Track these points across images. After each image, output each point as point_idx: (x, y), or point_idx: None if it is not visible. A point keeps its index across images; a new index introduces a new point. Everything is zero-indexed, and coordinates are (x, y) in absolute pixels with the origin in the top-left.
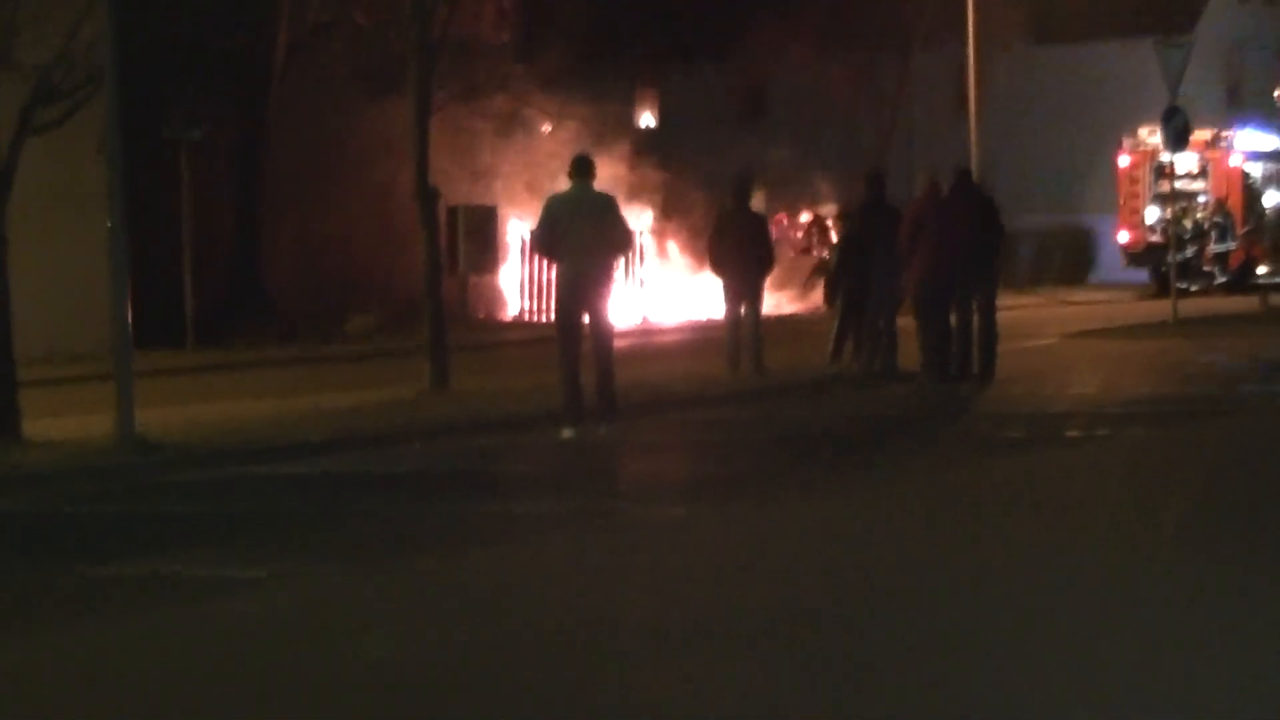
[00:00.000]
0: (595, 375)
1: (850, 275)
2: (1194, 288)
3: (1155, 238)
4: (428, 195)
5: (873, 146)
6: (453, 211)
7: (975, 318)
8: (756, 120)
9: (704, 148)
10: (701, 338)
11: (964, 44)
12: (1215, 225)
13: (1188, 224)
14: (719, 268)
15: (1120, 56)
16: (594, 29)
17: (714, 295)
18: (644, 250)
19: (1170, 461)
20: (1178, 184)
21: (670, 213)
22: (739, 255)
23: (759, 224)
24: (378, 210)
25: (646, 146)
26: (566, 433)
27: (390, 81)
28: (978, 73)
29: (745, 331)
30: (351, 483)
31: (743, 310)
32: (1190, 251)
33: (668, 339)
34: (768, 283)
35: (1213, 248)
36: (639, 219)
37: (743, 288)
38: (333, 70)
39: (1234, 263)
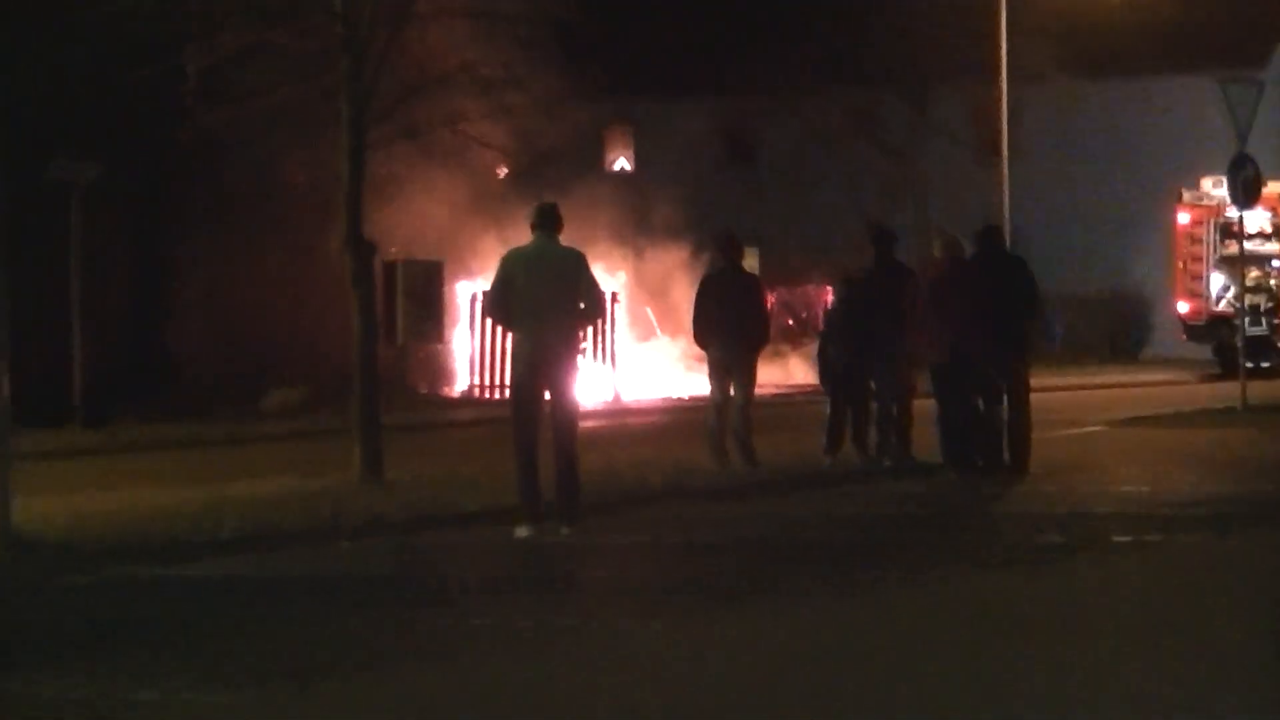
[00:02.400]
0: (556, 464)
1: (847, 348)
2: (1265, 365)
3: (1220, 308)
4: (361, 248)
5: (880, 200)
6: (390, 268)
7: (1005, 400)
8: (745, 167)
9: (688, 197)
10: (682, 420)
11: (991, 79)
12: None
13: (1260, 294)
14: (705, 338)
15: (1180, 95)
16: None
17: (699, 370)
18: (616, 316)
19: (1234, 575)
20: (1247, 245)
21: (648, 272)
22: (728, 324)
23: (752, 288)
24: (303, 266)
25: (620, 194)
26: (522, 531)
27: (319, 117)
28: (1010, 112)
29: (733, 414)
30: (267, 588)
31: (731, 389)
32: (1264, 325)
33: (643, 421)
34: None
35: None
36: (611, 279)
37: (732, 362)
38: (252, 105)
39: None
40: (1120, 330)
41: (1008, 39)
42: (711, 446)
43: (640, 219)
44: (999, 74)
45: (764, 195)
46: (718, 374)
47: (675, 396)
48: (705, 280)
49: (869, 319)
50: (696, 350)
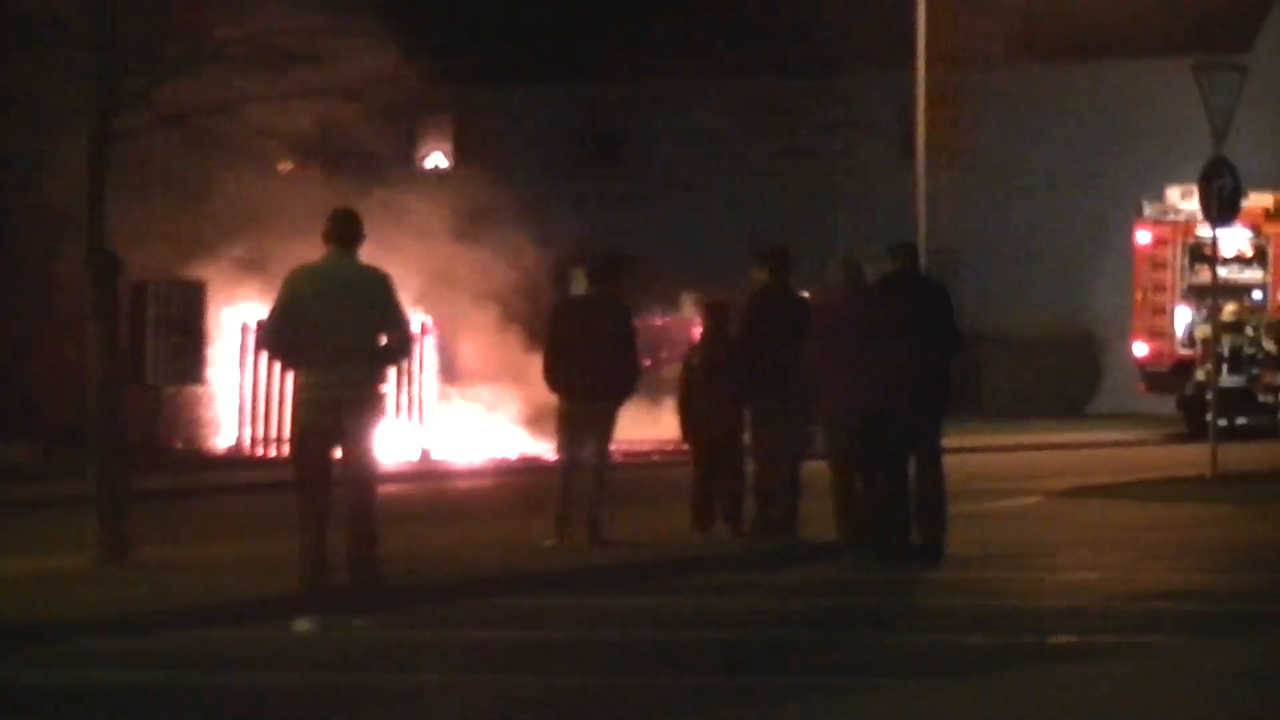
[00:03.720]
0: (349, 540)
1: (719, 397)
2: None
3: (1188, 351)
4: (103, 265)
5: (780, 213)
6: (140, 290)
7: (914, 467)
8: (606, 170)
9: (528, 202)
10: (510, 485)
11: (913, 66)
12: None
13: (1240, 333)
14: (559, 382)
15: (1142, 83)
16: (369, 32)
17: (541, 423)
18: (428, 354)
19: (1206, 687)
20: (1223, 272)
21: (473, 298)
22: (591, 364)
23: (620, 320)
24: (30, 289)
25: (436, 198)
26: (305, 624)
27: (58, 101)
28: (941, 105)
29: (587, 480)
30: None
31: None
32: (1244, 375)
33: (460, 486)
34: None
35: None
36: (422, 308)
37: (588, 415)
38: None
39: None
40: (1067, 378)
41: (944, 17)
42: (558, 517)
43: (465, 229)
44: (915, 54)
45: (631, 205)
46: (569, 429)
47: (500, 456)
48: (560, 309)
49: (750, 360)
50: (529, 397)
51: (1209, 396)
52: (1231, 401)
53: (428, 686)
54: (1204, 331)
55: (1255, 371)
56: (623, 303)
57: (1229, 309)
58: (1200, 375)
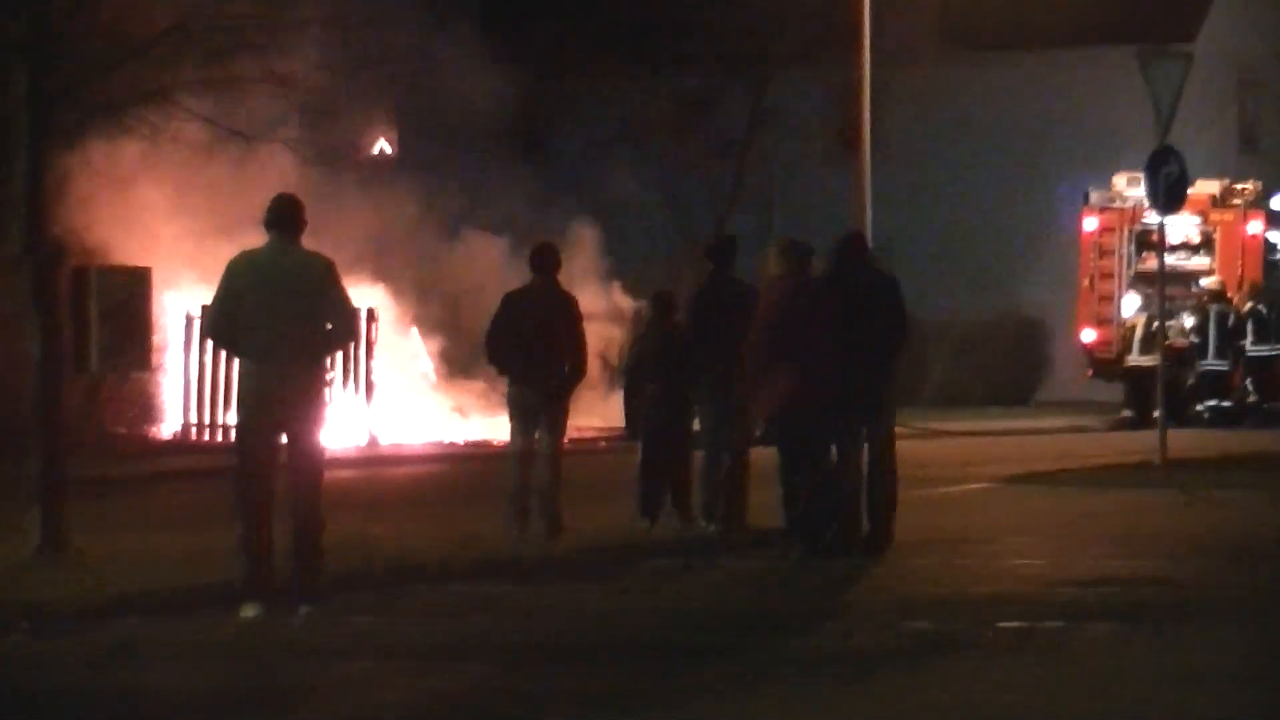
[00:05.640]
0: (294, 528)
1: (664, 387)
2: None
3: (1119, 335)
4: (45, 252)
5: (713, 203)
6: (81, 276)
7: (864, 454)
8: (536, 162)
9: (469, 190)
10: (457, 471)
11: (850, 58)
12: (1252, 315)
13: (1184, 319)
14: (508, 367)
15: (1086, 72)
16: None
17: (477, 410)
18: (373, 339)
19: (1146, 676)
20: (1170, 259)
21: (417, 284)
22: (540, 352)
23: (568, 310)
24: None
25: (381, 184)
26: (248, 611)
27: None
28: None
29: (539, 469)
30: None
31: (537, 436)
32: (1200, 366)
33: (406, 472)
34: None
35: (1250, 349)
36: (366, 293)
37: (539, 403)
38: None
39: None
40: (1011, 365)
41: (872, 6)
42: (508, 507)
43: (408, 216)
44: (860, 45)
45: (559, 198)
46: (520, 417)
47: (447, 441)
48: (509, 298)
49: (696, 348)
50: (476, 384)
51: (1152, 383)
52: (1211, 386)
53: (354, 677)
54: (1139, 319)
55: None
56: (565, 292)
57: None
58: (1140, 359)
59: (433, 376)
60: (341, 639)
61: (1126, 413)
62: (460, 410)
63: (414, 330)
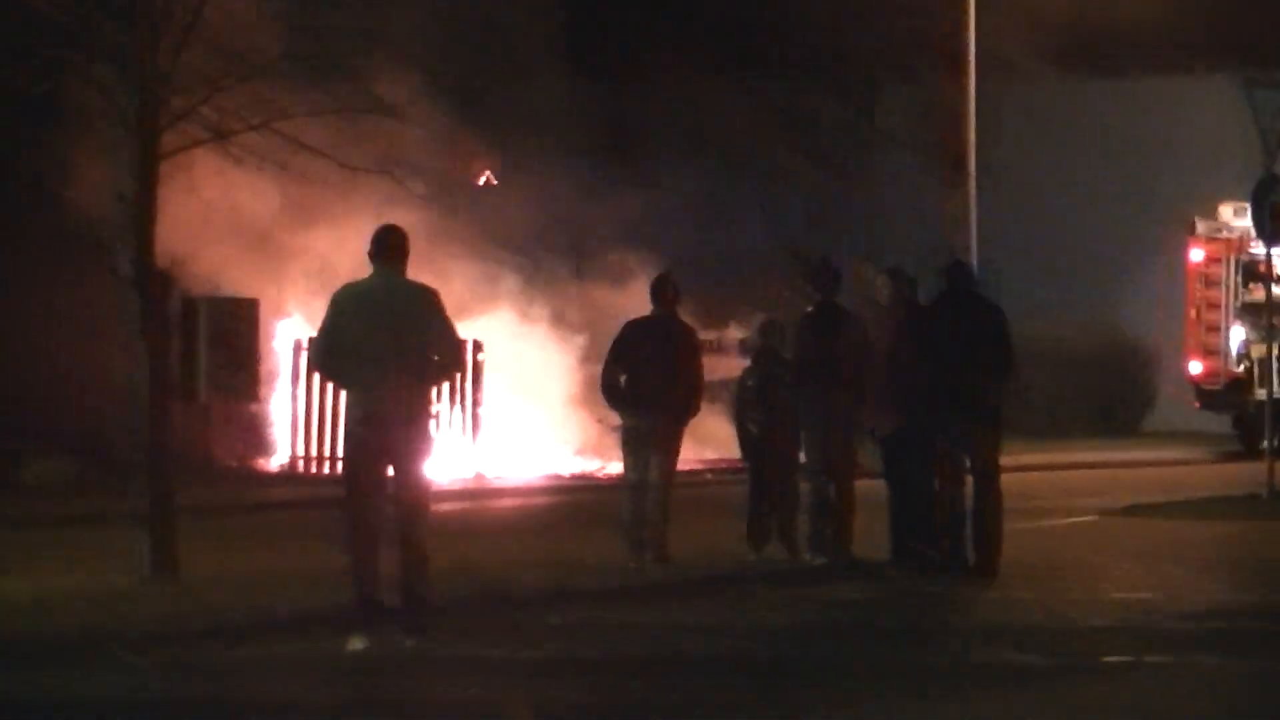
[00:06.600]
0: (401, 558)
1: (772, 417)
2: None
3: (1242, 369)
4: (152, 281)
5: (813, 227)
6: (190, 306)
7: (970, 483)
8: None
9: (571, 215)
10: (566, 504)
11: (953, 77)
12: None
13: None
14: (623, 401)
15: (1194, 99)
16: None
17: (599, 441)
18: (480, 370)
19: (1258, 709)
20: (1277, 290)
21: (523, 314)
22: (656, 383)
23: (685, 340)
24: (77, 304)
25: (486, 212)
26: (356, 643)
27: (100, 114)
28: (977, 116)
29: (651, 499)
30: (23, 716)
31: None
32: None
33: (514, 505)
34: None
35: None
36: (474, 323)
37: (652, 433)
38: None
39: None
40: (1118, 396)
41: (976, 24)
42: (626, 537)
43: (517, 243)
44: (965, 65)
45: (661, 220)
46: (634, 447)
47: (556, 473)
48: (627, 328)
49: (801, 377)
50: (585, 414)
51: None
52: None
53: (469, 702)
54: (1259, 350)
55: None
56: (683, 321)
57: None
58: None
59: (543, 406)
60: (448, 665)
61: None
62: (569, 441)
63: (530, 358)
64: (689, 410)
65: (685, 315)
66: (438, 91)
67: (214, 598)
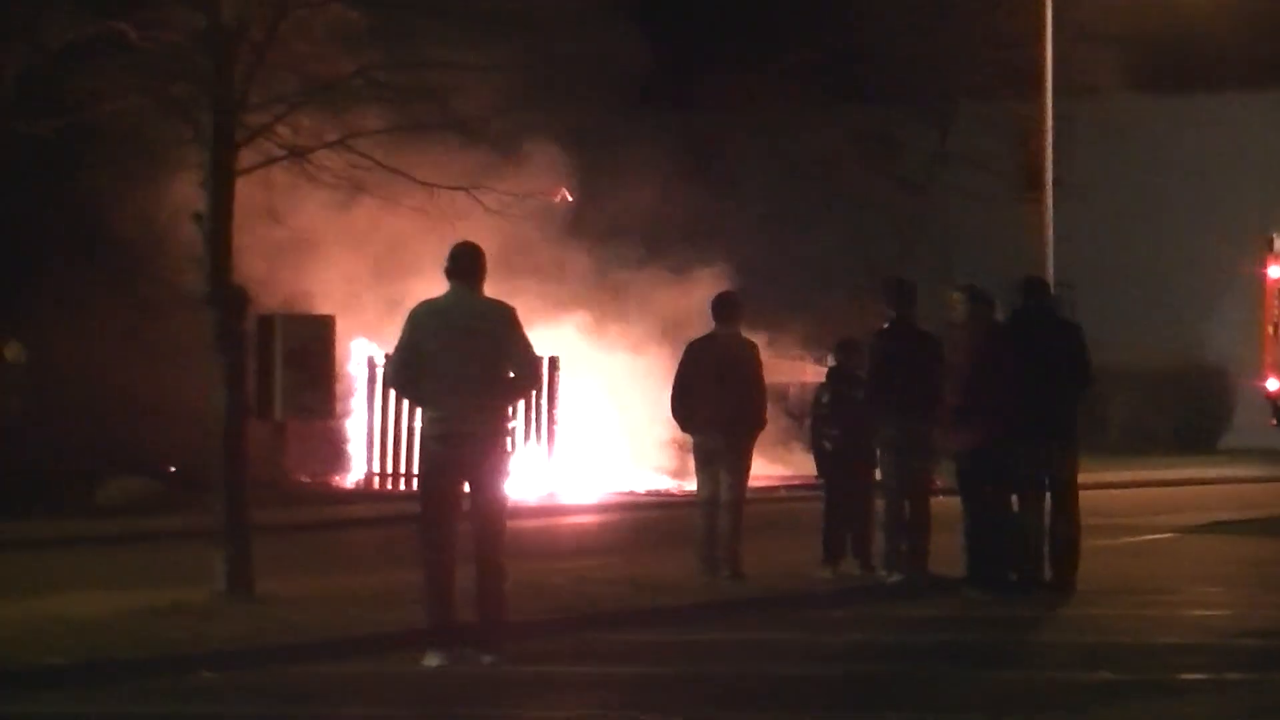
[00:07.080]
0: (478, 575)
1: (848, 434)
2: None
3: None
4: (228, 299)
5: (890, 245)
6: (266, 324)
7: (1048, 501)
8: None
9: (644, 234)
10: (641, 521)
11: (1032, 95)
12: None
13: None
14: (690, 421)
15: (1271, 116)
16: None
17: (677, 458)
18: (557, 388)
19: None
20: None
21: (601, 332)
22: (722, 400)
23: (748, 358)
24: (148, 322)
25: (564, 231)
26: (432, 660)
27: (175, 134)
28: (1055, 136)
29: (723, 516)
30: None
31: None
32: None
33: (589, 522)
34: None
35: None
36: (550, 341)
37: (723, 451)
38: (86, 116)
39: None
40: (1195, 413)
41: (1054, 45)
42: (699, 554)
43: (592, 263)
44: (1043, 84)
45: (743, 239)
46: (705, 465)
47: (631, 490)
48: (690, 348)
49: (877, 395)
50: (658, 433)
51: None
52: None
53: None
54: None
55: None
56: (747, 339)
57: None
58: None
59: (618, 424)
60: (525, 683)
61: None
62: (645, 459)
63: (603, 376)
64: (754, 427)
65: (750, 332)
66: (518, 111)
67: (290, 616)
